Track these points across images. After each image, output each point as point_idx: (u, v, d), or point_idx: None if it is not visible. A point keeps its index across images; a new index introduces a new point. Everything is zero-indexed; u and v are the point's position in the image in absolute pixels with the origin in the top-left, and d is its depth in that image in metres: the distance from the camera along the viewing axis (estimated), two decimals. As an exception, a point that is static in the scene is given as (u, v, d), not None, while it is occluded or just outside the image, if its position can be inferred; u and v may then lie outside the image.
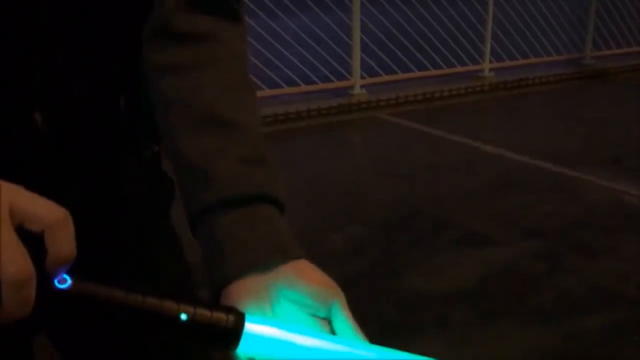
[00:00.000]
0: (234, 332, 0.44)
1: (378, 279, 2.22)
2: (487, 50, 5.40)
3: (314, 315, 0.49)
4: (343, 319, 0.48)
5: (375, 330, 1.86)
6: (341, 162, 3.57)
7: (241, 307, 0.47)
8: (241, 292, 0.48)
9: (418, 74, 5.08)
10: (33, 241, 0.37)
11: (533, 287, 2.16)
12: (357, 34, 4.62)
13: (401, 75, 5.00)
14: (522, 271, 2.27)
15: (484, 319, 1.96)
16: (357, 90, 4.71)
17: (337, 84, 4.71)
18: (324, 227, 2.61)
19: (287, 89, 4.51)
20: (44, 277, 0.38)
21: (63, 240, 0.39)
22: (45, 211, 0.39)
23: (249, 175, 0.53)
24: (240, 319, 0.44)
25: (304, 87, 4.59)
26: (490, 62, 5.46)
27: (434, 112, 4.62)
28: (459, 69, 5.32)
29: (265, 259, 0.50)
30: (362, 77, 4.77)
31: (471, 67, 5.40)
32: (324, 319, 0.49)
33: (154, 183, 0.73)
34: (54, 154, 0.63)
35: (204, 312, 0.43)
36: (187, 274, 0.75)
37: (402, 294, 2.12)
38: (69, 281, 0.39)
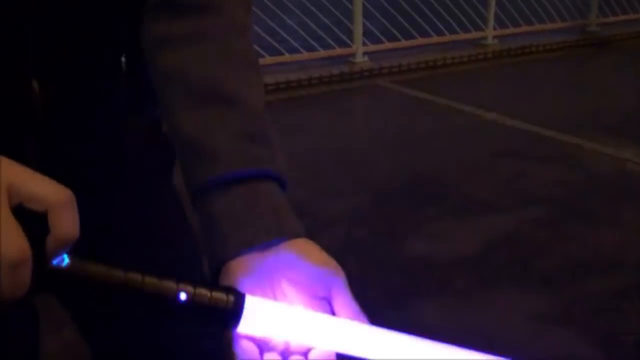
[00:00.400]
0: (234, 312, 0.43)
1: (380, 246, 2.23)
2: (491, 17, 5.33)
3: (314, 295, 0.49)
4: (344, 299, 0.48)
5: (378, 296, 1.89)
6: (343, 130, 3.55)
7: (239, 286, 0.46)
8: (240, 271, 0.48)
9: (420, 41, 5.02)
10: (33, 220, 0.37)
11: (535, 253, 2.17)
12: (359, 0, 4.56)
13: (403, 43, 4.95)
14: (525, 238, 2.27)
15: (486, 285, 1.97)
16: (359, 57, 4.66)
17: (338, 51, 4.66)
18: (326, 195, 2.61)
19: (288, 57, 4.46)
20: (42, 257, 0.37)
21: (66, 221, 0.38)
22: (48, 192, 0.38)
23: (249, 151, 0.52)
24: (240, 299, 0.44)
25: (305, 55, 4.54)
26: (494, 29, 5.39)
27: (436, 80, 4.58)
28: (462, 36, 5.26)
29: (265, 237, 0.49)
30: (364, 45, 4.72)
31: (474, 35, 5.33)
32: (324, 298, 0.49)
33: (155, 147, 0.72)
34: (52, 121, 0.62)
35: (203, 292, 0.42)
36: (191, 236, 0.75)
37: (405, 261, 2.13)
38: (67, 260, 0.39)
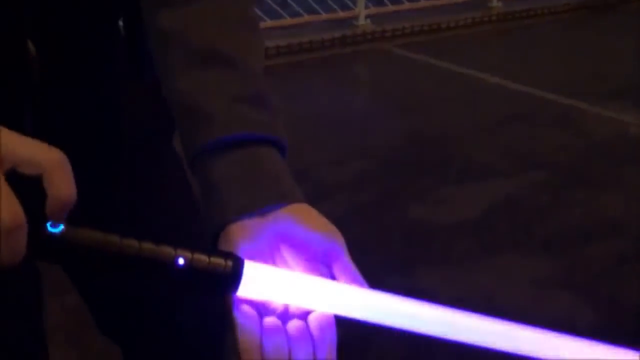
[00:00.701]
0: (233, 277, 0.43)
1: (383, 211, 2.23)
2: (496, -22, 5.25)
3: (313, 261, 0.48)
4: (343, 264, 0.48)
5: (379, 262, 1.90)
6: (345, 95, 3.52)
7: (238, 252, 0.46)
8: (238, 237, 0.47)
9: (424, 3, 4.95)
10: (28, 186, 0.36)
11: (537, 219, 2.17)
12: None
13: (407, 5, 4.88)
14: (527, 203, 2.27)
15: (488, 250, 1.98)
16: (362, 20, 4.60)
17: (341, 14, 4.60)
18: (328, 161, 2.60)
19: (289, 20, 4.41)
20: (38, 223, 0.37)
21: (61, 183, 0.38)
22: (40, 154, 0.37)
23: (247, 114, 0.51)
24: (238, 264, 0.44)
25: (307, 18, 4.48)
26: (499, -10, 5.31)
27: (440, 43, 4.52)
28: (467, -2, 5.19)
29: (263, 202, 0.48)
30: (367, 7, 4.66)
31: (479, -4, 5.26)
32: (323, 263, 0.48)
33: (155, 112, 0.71)
34: (50, 86, 0.61)
35: (201, 257, 0.42)
36: (192, 201, 0.74)
37: (407, 226, 2.13)
38: (62, 226, 0.38)
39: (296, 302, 0.47)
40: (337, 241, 0.48)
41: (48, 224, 0.38)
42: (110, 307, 0.77)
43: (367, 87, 3.89)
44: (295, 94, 3.31)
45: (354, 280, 0.47)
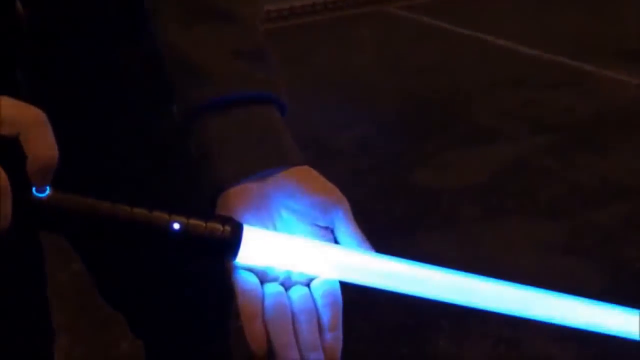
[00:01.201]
0: (231, 243, 0.42)
1: (386, 175, 2.21)
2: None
3: (315, 225, 0.46)
4: (347, 228, 0.46)
5: (384, 227, 1.89)
6: (348, 58, 3.48)
7: (237, 217, 0.44)
8: (237, 201, 0.45)
9: (428, -37, 4.86)
10: (9, 148, 0.34)
11: (543, 182, 2.15)
12: None
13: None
14: (533, 167, 2.25)
15: (493, 214, 1.97)
16: (365, -18, 4.52)
17: (344, -24, 4.52)
18: (330, 125, 2.58)
19: (292, -17, 4.34)
20: (21, 188, 0.35)
21: (40, 141, 0.35)
22: (17, 113, 0.35)
23: (246, 70, 0.48)
24: (237, 229, 0.42)
25: (309, -20, 4.41)
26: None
27: (444, 5, 4.44)
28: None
29: (263, 165, 0.46)
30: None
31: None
32: (326, 228, 0.46)
33: (153, 76, 0.69)
34: (42, 49, 0.59)
35: (197, 223, 0.40)
36: (189, 166, 0.72)
37: (411, 190, 2.12)
38: (48, 191, 0.36)
39: (299, 269, 0.45)
40: (340, 205, 0.46)
41: (34, 189, 0.36)
42: (113, 275, 0.76)
43: (370, 50, 3.84)
44: (296, 57, 3.27)
45: (359, 245, 0.46)
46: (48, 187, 0.36)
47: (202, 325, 0.81)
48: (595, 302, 0.46)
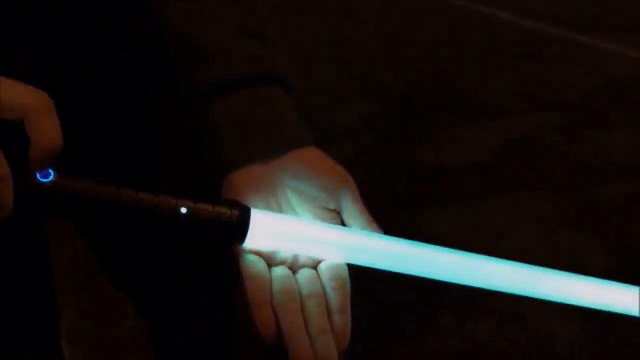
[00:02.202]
0: (239, 227, 0.41)
1: (391, 153, 2.20)
2: None
3: (323, 208, 0.46)
4: (354, 210, 0.45)
5: (388, 205, 1.88)
6: (351, 33, 3.44)
7: (244, 201, 0.43)
8: (243, 185, 0.44)
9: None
10: (11, 133, 0.34)
11: (548, 159, 2.14)
12: None
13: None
14: (538, 143, 2.23)
15: (498, 191, 1.96)
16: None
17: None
18: (333, 103, 2.56)
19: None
20: (25, 173, 0.34)
21: (45, 126, 0.35)
22: (21, 97, 0.34)
23: (250, 50, 0.47)
24: (245, 213, 0.41)
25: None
26: None
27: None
28: None
29: (269, 147, 0.45)
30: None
31: None
32: (333, 210, 0.46)
33: (158, 53, 0.67)
34: (47, 19, 0.58)
35: (205, 207, 0.40)
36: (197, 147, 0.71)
37: (416, 168, 2.11)
38: (53, 176, 0.36)
39: (306, 252, 0.45)
40: (348, 187, 0.45)
41: (37, 174, 0.35)
42: (117, 256, 0.76)
43: (373, 24, 3.80)
44: (298, 33, 3.24)
45: (366, 227, 0.45)
46: (52, 173, 0.36)
47: (207, 305, 0.81)
48: (596, 280, 0.47)
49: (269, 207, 0.45)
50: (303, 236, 0.44)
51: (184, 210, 0.39)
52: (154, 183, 0.40)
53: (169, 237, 0.60)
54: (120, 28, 0.63)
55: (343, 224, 0.46)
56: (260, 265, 0.43)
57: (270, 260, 0.44)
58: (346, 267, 0.45)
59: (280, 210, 0.46)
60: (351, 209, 0.45)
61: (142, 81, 0.66)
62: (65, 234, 0.82)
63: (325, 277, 0.44)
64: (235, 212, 0.41)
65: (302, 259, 0.45)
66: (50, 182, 0.36)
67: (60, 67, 0.57)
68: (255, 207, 0.43)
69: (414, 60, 3.00)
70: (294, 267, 0.45)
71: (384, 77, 2.84)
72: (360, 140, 2.28)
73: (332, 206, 0.46)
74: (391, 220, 1.80)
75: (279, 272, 0.44)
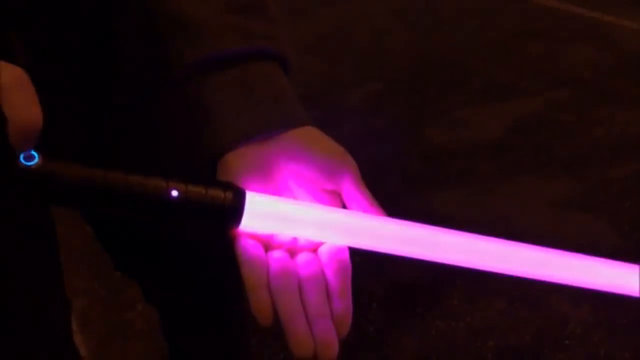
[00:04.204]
0: (234, 210, 0.39)
1: (400, 133, 2.18)
2: None
3: (322, 189, 0.44)
4: (354, 191, 0.43)
5: (398, 184, 1.86)
6: (358, 11, 3.40)
7: (239, 182, 0.42)
8: (238, 165, 0.43)
9: None
10: None
11: (560, 138, 2.11)
12: None
13: None
14: (549, 122, 2.20)
15: (508, 171, 1.94)
16: None
17: None
18: (341, 82, 2.53)
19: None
20: (7, 156, 0.33)
21: (21, 103, 0.33)
22: None
23: (242, 24, 0.44)
24: (239, 195, 0.40)
25: None
26: None
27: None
28: None
29: (264, 126, 0.43)
30: None
31: None
32: (333, 192, 0.44)
33: (152, 41, 0.66)
34: (36, 13, 0.56)
35: (197, 189, 0.38)
36: (189, 130, 0.70)
37: (425, 147, 2.09)
38: (37, 159, 0.34)
39: (305, 235, 0.43)
40: (347, 167, 0.44)
41: (21, 157, 0.34)
42: (121, 243, 0.75)
43: (380, 2, 3.75)
44: (304, 9, 3.20)
45: (367, 208, 0.43)
46: (37, 155, 0.34)
47: (216, 289, 0.80)
48: (609, 261, 0.45)
49: (264, 189, 0.43)
50: (300, 218, 0.42)
51: (175, 193, 0.37)
52: (146, 165, 0.39)
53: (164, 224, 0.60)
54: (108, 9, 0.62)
55: (343, 206, 0.45)
56: (256, 249, 0.42)
57: (267, 243, 0.43)
58: (347, 251, 0.44)
59: (277, 192, 0.44)
60: (351, 189, 0.44)
61: (132, 62, 0.64)
62: (75, 218, 0.81)
63: (325, 260, 0.43)
64: (229, 195, 0.40)
65: (301, 242, 0.44)
66: (35, 164, 0.34)
67: (48, 47, 0.55)
68: (251, 189, 0.42)
69: (424, 38, 2.96)
70: (292, 250, 0.44)
71: (393, 56, 2.80)
72: (367, 120, 2.26)
73: (331, 187, 0.44)
74: (398, 201, 1.79)
75: (277, 255, 0.42)
